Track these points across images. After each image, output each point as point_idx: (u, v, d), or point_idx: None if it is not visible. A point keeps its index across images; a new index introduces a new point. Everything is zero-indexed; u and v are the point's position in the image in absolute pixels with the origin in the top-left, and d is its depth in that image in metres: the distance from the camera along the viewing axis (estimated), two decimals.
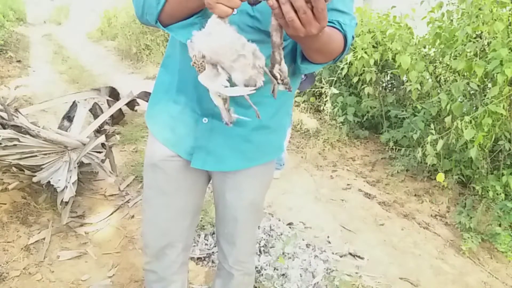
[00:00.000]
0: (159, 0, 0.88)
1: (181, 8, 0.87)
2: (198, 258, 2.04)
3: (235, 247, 1.22)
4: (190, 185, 1.15)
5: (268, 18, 0.89)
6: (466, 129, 2.33)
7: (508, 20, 2.33)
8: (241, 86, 0.80)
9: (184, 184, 1.13)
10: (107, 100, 3.66)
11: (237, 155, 1.07)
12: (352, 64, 3.35)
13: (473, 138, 2.33)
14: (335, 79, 3.69)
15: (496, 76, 2.23)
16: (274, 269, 1.99)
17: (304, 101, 4.20)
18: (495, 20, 2.29)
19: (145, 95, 3.75)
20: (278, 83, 0.83)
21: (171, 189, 1.13)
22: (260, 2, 0.75)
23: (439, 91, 2.83)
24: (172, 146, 1.08)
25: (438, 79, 3.03)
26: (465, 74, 2.55)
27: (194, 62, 0.79)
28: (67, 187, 2.14)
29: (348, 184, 3.02)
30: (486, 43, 2.50)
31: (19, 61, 6.33)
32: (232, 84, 0.81)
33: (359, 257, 2.19)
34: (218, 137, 1.03)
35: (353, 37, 0.94)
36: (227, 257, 1.24)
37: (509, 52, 2.20)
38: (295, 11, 0.71)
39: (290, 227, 2.38)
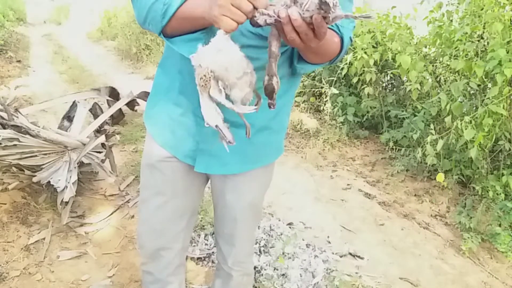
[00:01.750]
0: (165, 14, 0.86)
1: (187, 24, 0.86)
2: (198, 258, 2.04)
3: (234, 248, 1.22)
4: (187, 186, 1.14)
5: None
6: (466, 129, 2.33)
7: (510, 20, 2.33)
8: (238, 103, 0.81)
9: (181, 185, 1.13)
10: (107, 100, 3.66)
11: (240, 158, 1.06)
12: (352, 64, 3.35)
13: (473, 138, 2.33)
14: (335, 79, 3.69)
15: (496, 76, 2.24)
16: (274, 269, 1.99)
17: (304, 101, 4.20)
18: (495, 20, 2.29)
19: (145, 95, 3.75)
20: (273, 97, 0.83)
21: (168, 190, 1.12)
22: (261, 26, 0.75)
23: (439, 91, 2.83)
24: (170, 149, 1.07)
25: (438, 79, 3.03)
26: (465, 74, 2.56)
27: (202, 77, 0.78)
28: (67, 187, 2.14)
29: (348, 184, 3.02)
30: (487, 43, 2.50)
31: (19, 61, 6.33)
32: (230, 101, 0.82)
33: (359, 257, 2.19)
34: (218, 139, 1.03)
35: (351, 39, 0.95)
36: (226, 257, 1.24)
37: (507, 52, 2.20)
38: (296, 32, 0.71)
39: (290, 227, 2.38)
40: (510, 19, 2.34)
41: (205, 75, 0.78)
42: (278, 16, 0.71)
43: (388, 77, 3.77)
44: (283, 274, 1.97)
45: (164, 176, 1.10)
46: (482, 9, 2.44)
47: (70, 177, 2.19)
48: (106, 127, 3.17)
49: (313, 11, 0.68)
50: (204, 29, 0.87)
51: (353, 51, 3.31)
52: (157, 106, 1.09)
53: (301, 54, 0.92)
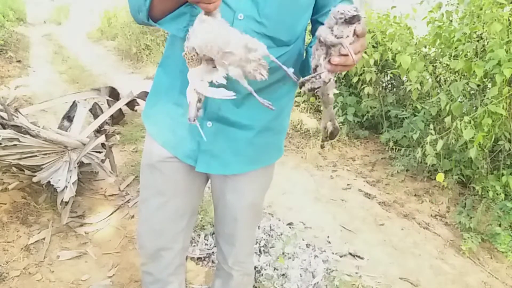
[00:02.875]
0: None
1: (169, 1, 0.88)
2: (198, 258, 2.05)
3: (235, 248, 1.22)
4: (187, 186, 1.14)
5: (275, 24, 0.91)
6: (465, 129, 2.33)
7: (508, 20, 2.34)
8: (242, 80, 0.81)
9: (181, 185, 1.13)
10: (107, 100, 3.66)
11: (241, 158, 1.07)
12: None
13: (472, 138, 2.33)
14: (335, 79, 3.68)
15: (495, 76, 2.24)
16: (274, 269, 1.99)
17: (304, 101, 4.20)
18: (493, 20, 2.29)
19: (145, 95, 3.75)
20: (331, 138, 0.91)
21: (168, 190, 1.12)
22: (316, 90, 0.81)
23: (439, 91, 2.83)
24: (171, 149, 1.07)
25: (438, 79, 3.03)
26: (465, 74, 2.56)
27: (185, 54, 0.80)
28: (67, 187, 2.14)
29: (348, 184, 3.02)
30: (486, 43, 2.50)
31: (19, 61, 6.33)
32: (229, 79, 0.82)
33: (359, 257, 2.19)
34: (222, 141, 1.03)
35: None
36: (226, 257, 1.24)
37: (506, 53, 2.20)
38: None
39: (290, 227, 2.38)
40: (509, 19, 2.34)
41: (186, 54, 0.80)
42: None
43: (388, 77, 3.77)
44: (283, 274, 1.97)
45: (165, 176, 1.10)
46: (481, 9, 2.44)
47: (70, 177, 2.19)
48: (106, 127, 3.17)
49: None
50: (187, 2, 0.88)
51: None
52: (157, 105, 1.09)
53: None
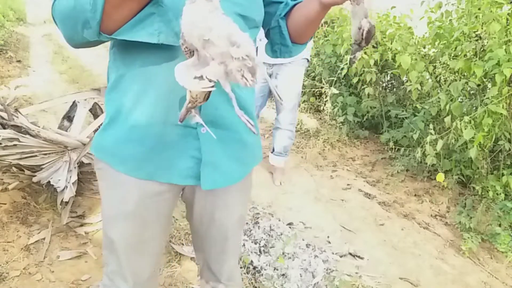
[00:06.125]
0: (95, 4, 0.69)
1: (128, 1, 0.71)
2: None
3: (226, 264, 1.15)
4: (168, 221, 1.05)
5: (249, 2, 0.89)
6: (465, 129, 2.33)
7: (507, 20, 2.34)
8: (223, 81, 0.68)
9: (163, 221, 1.02)
10: None
11: (237, 163, 0.99)
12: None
13: (472, 138, 2.33)
14: (335, 79, 3.69)
15: (495, 76, 2.24)
16: (274, 269, 1.99)
17: (304, 101, 4.19)
18: (492, 20, 2.29)
19: None
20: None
21: (147, 233, 0.99)
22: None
23: (439, 91, 2.83)
24: (162, 177, 0.91)
25: (438, 79, 3.03)
26: (465, 74, 2.56)
27: (181, 44, 0.69)
28: (67, 187, 2.14)
29: (348, 184, 3.02)
30: (486, 43, 2.50)
31: (19, 61, 6.32)
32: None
33: (359, 257, 2.19)
34: (218, 147, 0.92)
35: None
36: (218, 276, 1.16)
37: (506, 53, 2.20)
38: None
39: (290, 227, 2.38)
40: (507, 19, 2.34)
41: (181, 44, 0.68)
42: None
43: (388, 77, 3.77)
44: (283, 274, 1.97)
45: (145, 221, 0.97)
46: (479, 9, 2.44)
47: (70, 177, 2.18)
48: None
49: None
50: (151, 2, 0.73)
51: None
52: (130, 134, 0.90)
53: (303, 32, 0.98)
